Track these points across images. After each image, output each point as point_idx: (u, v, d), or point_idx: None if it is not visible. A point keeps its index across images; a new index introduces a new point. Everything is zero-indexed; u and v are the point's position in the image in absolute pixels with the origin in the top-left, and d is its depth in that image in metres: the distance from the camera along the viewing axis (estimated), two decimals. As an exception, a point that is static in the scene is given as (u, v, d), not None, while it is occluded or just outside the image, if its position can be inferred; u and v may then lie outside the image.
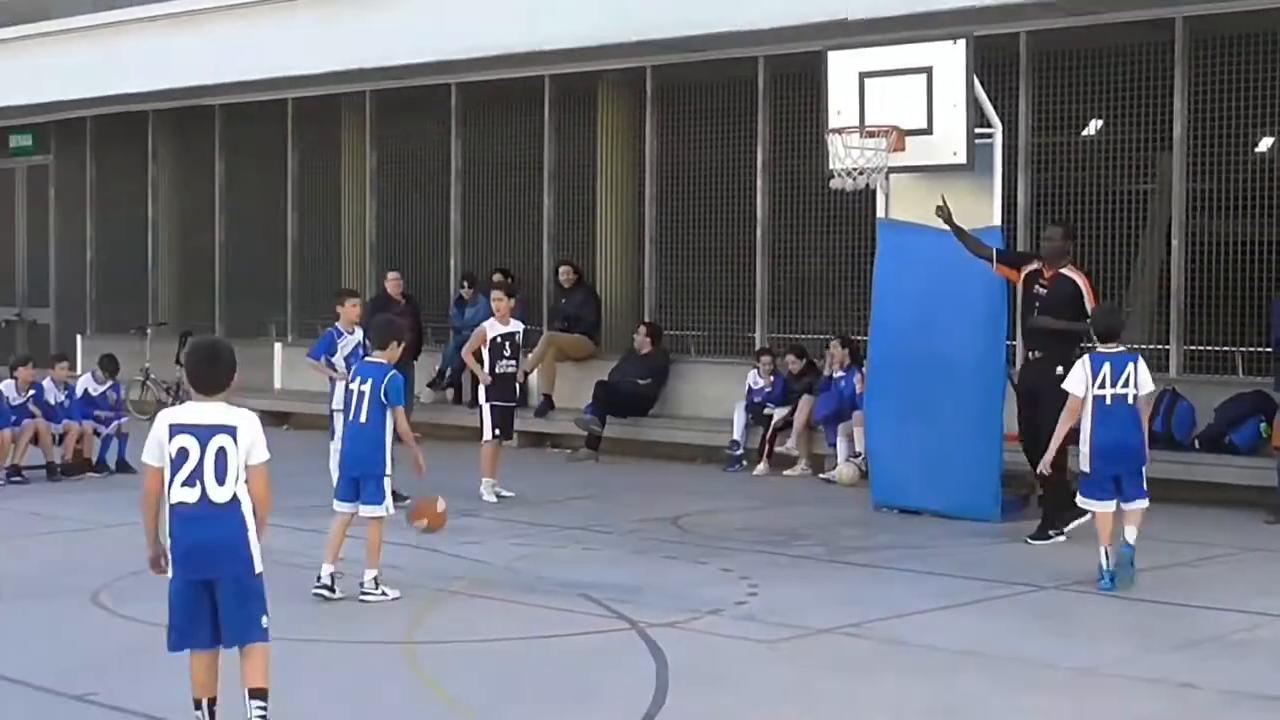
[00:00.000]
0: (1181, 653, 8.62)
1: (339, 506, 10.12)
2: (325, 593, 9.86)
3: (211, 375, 6.66)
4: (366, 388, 10.06)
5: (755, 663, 8.35)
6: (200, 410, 6.60)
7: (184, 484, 6.49)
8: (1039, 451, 11.27)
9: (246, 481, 6.55)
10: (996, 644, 8.74)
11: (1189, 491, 13.75)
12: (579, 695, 7.82)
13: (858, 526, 12.81)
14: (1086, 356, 10.47)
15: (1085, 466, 10.36)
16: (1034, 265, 12.37)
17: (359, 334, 13.60)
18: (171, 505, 6.52)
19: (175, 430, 6.52)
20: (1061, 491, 11.66)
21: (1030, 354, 12.42)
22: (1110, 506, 10.26)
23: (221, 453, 6.50)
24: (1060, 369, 11.09)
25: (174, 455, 6.49)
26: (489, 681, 8.02)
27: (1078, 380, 10.34)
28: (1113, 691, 7.86)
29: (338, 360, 13.38)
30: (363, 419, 10.02)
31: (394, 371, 10.23)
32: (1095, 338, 10.66)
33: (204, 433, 6.51)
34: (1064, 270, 12.09)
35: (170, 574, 6.58)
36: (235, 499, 6.52)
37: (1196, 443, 14.11)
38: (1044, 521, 12.00)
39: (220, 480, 6.49)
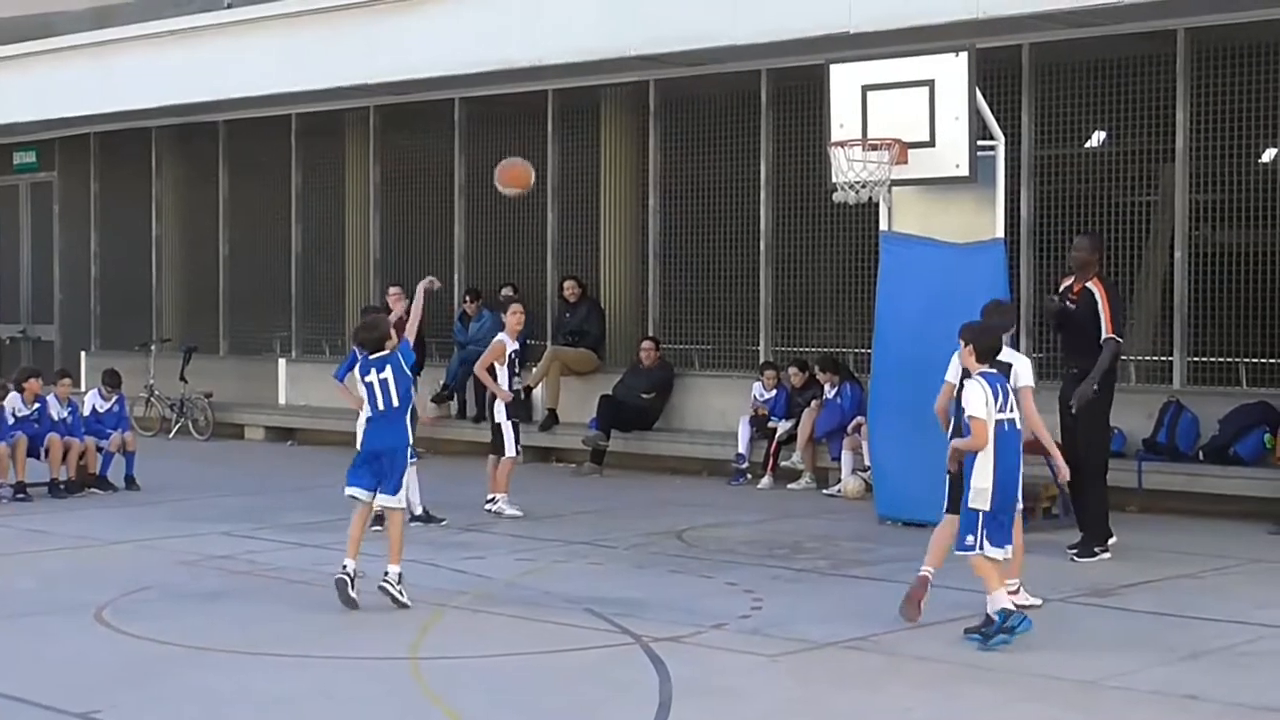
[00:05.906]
0: (1186, 665, 8.61)
1: (358, 493, 10.06)
2: (346, 578, 9.79)
3: None
4: (388, 374, 10.12)
5: (759, 677, 8.34)
6: None
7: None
8: (1077, 464, 11.29)
9: None
10: (1001, 656, 8.72)
11: (1193, 503, 13.76)
12: (583, 710, 7.82)
13: (862, 539, 12.79)
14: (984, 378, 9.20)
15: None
16: (1067, 282, 12.30)
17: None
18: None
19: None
20: (1101, 505, 11.66)
21: (1070, 370, 12.14)
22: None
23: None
24: (1098, 386, 11.47)
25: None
26: (493, 696, 8.01)
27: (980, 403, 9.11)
28: (1117, 703, 7.85)
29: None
30: (394, 402, 10.12)
31: (403, 345, 10.28)
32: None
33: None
34: (1089, 284, 11.97)
35: None
36: None
37: (1201, 454, 14.09)
38: (1086, 536, 11.79)
39: None
